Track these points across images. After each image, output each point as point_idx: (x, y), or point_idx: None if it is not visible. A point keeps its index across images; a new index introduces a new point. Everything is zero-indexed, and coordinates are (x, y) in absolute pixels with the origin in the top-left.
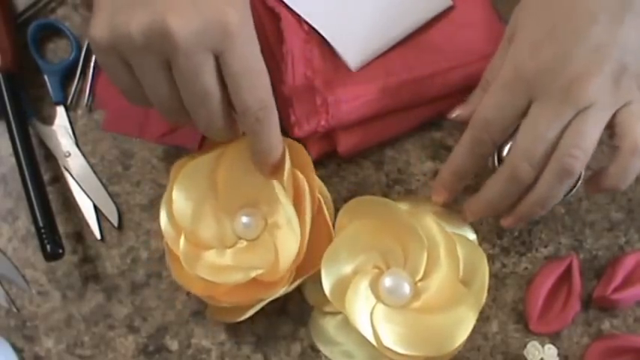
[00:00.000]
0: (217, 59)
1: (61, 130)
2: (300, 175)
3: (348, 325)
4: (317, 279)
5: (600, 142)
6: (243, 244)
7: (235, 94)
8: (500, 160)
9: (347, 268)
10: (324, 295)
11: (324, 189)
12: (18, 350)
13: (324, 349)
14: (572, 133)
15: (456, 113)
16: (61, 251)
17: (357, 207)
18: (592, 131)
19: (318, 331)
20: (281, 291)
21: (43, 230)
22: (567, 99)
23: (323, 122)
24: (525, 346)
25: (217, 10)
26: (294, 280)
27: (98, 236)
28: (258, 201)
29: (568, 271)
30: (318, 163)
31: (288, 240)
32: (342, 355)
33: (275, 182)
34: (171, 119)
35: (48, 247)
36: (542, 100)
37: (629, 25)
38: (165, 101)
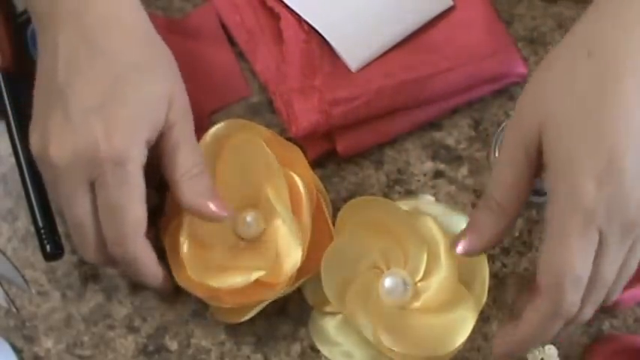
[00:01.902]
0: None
1: None
2: (297, 178)
3: (347, 325)
4: (317, 279)
5: None
6: (243, 244)
7: (102, 223)
8: None
9: (347, 269)
10: (324, 295)
11: (322, 188)
12: (17, 350)
13: (323, 349)
14: (626, 267)
15: (464, 248)
16: (60, 251)
17: (356, 207)
18: (636, 263)
19: (318, 331)
20: (282, 292)
21: (42, 230)
22: (629, 235)
23: (323, 122)
24: None
25: (90, 142)
26: (296, 280)
27: None
28: (258, 201)
29: None
30: (318, 163)
31: (289, 243)
32: (341, 355)
33: (269, 189)
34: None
35: (48, 247)
36: (606, 236)
37: None
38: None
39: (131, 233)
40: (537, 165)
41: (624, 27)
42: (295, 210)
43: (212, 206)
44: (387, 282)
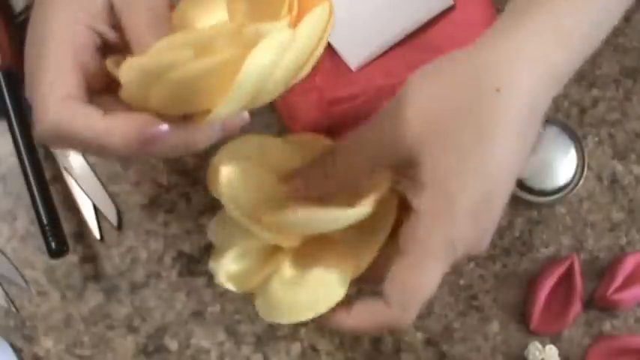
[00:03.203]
0: None
1: None
2: None
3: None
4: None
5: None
6: None
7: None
8: None
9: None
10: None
11: None
12: (17, 350)
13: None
14: None
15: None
16: (65, 248)
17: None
18: None
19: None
20: None
21: (47, 227)
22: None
23: (322, 121)
24: (526, 346)
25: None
26: None
27: (98, 236)
28: None
29: (569, 271)
30: None
31: None
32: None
33: None
34: None
35: (52, 244)
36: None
37: None
38: None
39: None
40: None
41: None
42: None
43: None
44: None
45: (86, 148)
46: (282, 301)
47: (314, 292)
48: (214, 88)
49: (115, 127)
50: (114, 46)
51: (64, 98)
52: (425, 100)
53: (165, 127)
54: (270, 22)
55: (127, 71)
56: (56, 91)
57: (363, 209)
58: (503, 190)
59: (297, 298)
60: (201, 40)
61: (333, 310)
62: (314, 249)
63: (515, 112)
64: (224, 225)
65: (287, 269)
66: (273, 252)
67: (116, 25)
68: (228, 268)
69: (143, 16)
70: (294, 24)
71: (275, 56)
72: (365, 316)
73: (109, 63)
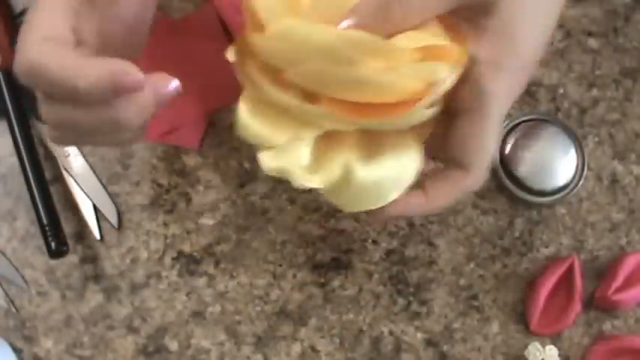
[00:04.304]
0: None
1: None
2: None
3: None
4: None
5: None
6: None
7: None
8: (503, 158)
9: None
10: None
11: None
12: (17, 351)
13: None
14: None
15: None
16: (65, 248)
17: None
18: None
19: None
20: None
21: (47, 228)
22: None
23: None
24: (526, 346)
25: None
26: None
27: (98, 236)
28: None
29: (569, 271)
30: None
31: None
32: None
33: None
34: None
35: (52, 244)
36: None
37: None
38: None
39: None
40: None
41: None
42: None
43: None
44: None
45: (58, 89)
46: (368, 183)
47: (396, 165)
48: (375, 96)
49: (90, 67)
50: None
51: (46, 38)
52: None
53: (140, 76)
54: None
55: (296, 37)
56: (40, 30)
57: (434, 109)
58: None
59: (382, 175)
60: (385, 52)
61: (407, 195)
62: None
63: None
64: (262, 116)
65: (359, 152)
66: (333, 139)
67: None
68: (301, 163)
69: None
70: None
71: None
72: (443, 190)
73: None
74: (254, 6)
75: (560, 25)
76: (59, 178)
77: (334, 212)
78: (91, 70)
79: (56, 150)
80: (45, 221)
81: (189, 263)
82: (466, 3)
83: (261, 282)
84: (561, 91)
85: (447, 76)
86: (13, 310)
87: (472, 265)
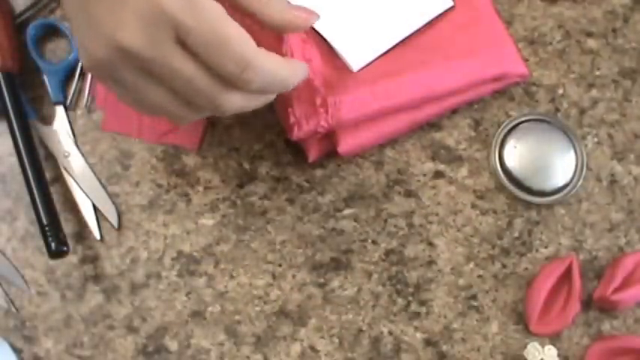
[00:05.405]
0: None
1: (60, 130)
2: None
3: None
4: None
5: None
6: None
7: (214, 69)
8: (502, 158)
9: None
10: None
11: None
12: (17, 351)
13: None
14: None
15: None
16: (65, 249)
17: None
18: None
19: None
20: None
21: (47, 228)
22: None
23: (323, 122)
24: (525, 346)
25: (147, 3)
26: None
27: (97, 236)
28: None
29: (568, 271)
30: (318, 163)
31: None
32: None
33: None
34: (181, 121)
35: (52, 244)
36: None
37: None
38: (164, 105)
39: (248, 50)
40: None
41: None
42: None
43: (303, 13)
44: None
45: (272, 87)
46: None
47: None
48: None
49: (298, 67)
50: None
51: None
52: None
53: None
54: None
55: None
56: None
57: None
58: None
59: None
60: None
61: None
62: None
63: None
64: None
65: None
66: None
67: None
68: None
69: None
70: None
71: None
72: None
73: None
74: None
75: (560, 26)
76: (59, 178)
77: (334, 212)
78: (299, 71)
79: (56, 150)
80: (45, 221)
81: (189, 263)
82: None
83: (260, 282)
84: (560, 91)
85: None
86: (13, 310)
87: (471, 265)
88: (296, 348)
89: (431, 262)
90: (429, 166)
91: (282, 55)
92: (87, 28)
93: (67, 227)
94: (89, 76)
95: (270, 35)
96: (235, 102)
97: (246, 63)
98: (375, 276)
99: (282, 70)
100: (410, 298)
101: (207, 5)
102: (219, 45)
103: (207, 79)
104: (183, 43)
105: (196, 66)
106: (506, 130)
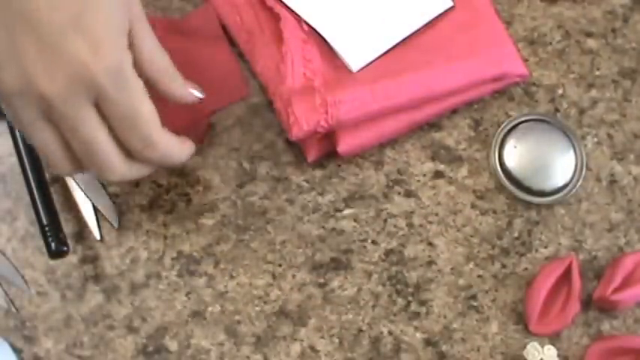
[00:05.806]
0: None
1: None
2: None
3: None
4: None
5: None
6: None
7: (119, 138)
8: (502, 158)
9: None
10: None
11: None
12: (17, 351)
13: None
14: None
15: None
16: (65, 249)
17: None
18: None
19: None
20: None
21: (47, 228)
22: None
23: (322, 122)
24: (525, 346)
25: (79, 63)
26: None
27: (97, 236)
28: None
29: (568, 271)
30: (318, 164)
31: None
32: None
33: None
34: (60, 171)
35: (52, 244)
36: None
37: None
38: (56, 154)
39: (155, 130)
40: None
41: None
42: None
43: (195, 92)
44: None
45: (164, 163)
46: None
47: None
48: None
49: (187, 146)
50: None
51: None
52: None
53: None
54: None
55: None
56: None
57: None
58: None
59: None
60: None
61: None
62: None
63: None
64: None
65: None
66: None
67: None
68: None
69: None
70: None
71: None
72: None
73: None
74: None
75: (559, 26)
76: (59, 178)
77: (334, 212)
78: (187, 150)
79: None
80: (45, 221)
81: (189, 263)
82: None
83: (260, 282)
84: (560, 91)
85: None
86: (13, 310)
87: (471, 265)
88: (296, 348)
89: (431, 262)
90: (429, 166)
91: (282, 55)
92: (9, 58)
93: (67, 227)
94: None
95: (271, 35)
96: (125, 169)
97: (150, 141)
98: (375, 276)
99: (176, 150)
100: (410, 298)
101: (132, 80)
102: (132, 119)
103: (110, 145)
104: (98, 106)
105: (103, 131)
106: (506, 130)
